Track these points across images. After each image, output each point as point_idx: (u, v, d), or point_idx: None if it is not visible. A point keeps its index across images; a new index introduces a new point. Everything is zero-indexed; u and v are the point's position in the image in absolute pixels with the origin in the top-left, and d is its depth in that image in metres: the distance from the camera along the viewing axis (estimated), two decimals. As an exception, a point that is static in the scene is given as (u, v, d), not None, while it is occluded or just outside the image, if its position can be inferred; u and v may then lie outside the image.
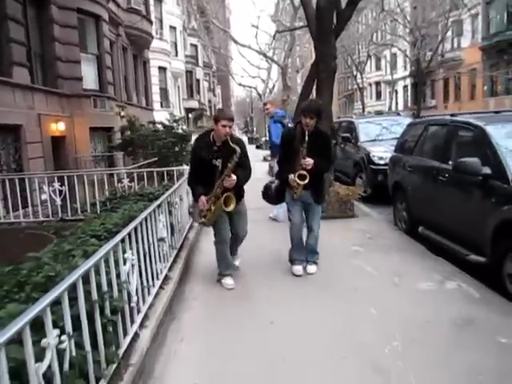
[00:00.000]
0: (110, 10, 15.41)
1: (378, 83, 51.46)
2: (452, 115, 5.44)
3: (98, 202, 6.09)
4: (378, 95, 52.38)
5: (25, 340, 1.48)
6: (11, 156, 9.63)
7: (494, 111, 5.88)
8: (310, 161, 4.12)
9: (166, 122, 11.69)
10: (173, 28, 30.41)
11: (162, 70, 26.27)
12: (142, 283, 2.90)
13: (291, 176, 4.20)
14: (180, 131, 11.20)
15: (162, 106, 25.59)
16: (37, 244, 3.92)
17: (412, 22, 29.98)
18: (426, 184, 5.49)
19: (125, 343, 2.43)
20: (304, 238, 4.65)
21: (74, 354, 1.74)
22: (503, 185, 3.95)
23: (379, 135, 9.54)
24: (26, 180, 7.21)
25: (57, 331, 1.62)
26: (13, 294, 2.00)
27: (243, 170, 4.07)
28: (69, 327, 1.75)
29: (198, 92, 39.79)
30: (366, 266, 4.70)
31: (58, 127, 11.59)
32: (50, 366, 1.54)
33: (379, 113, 17.54)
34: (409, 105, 42.94)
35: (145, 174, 6.48)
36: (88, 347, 1.91)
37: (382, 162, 8.27)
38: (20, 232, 6.07)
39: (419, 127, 6.17)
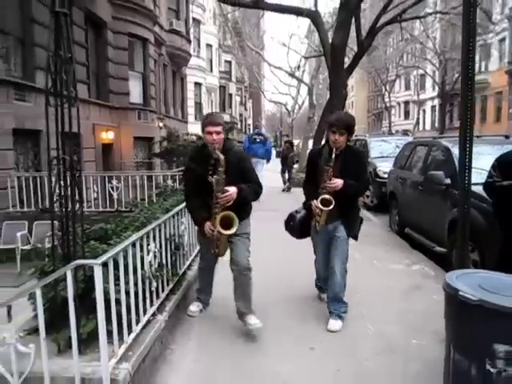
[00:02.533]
0: (154, 32, 17.27)
1: (406, 102, 52.28)
2: (434, 138, 6.75)
3: (146, 198, 7.60)
4: (406, 114, 53.13)
5: (144, 243, 2.94)
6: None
7: (477, 135, 7.12)
8: (337, 181, 3.40)
9: (201, 135, 13.27)
10: (209, 46, 32.45)
11: (198, 85, 28.20)
12: (189, 241, 4.36)
13: (314, 202, 3.52)
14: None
15: (196, 118, 27.41)
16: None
17: (439, 45, 31.12)
18: (410, 192, 6.79)
19: (180, 273, 3.89)
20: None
21: (159, 261, 3.21)
22: (457, 192, 5.23)
23: (388, 152, 10.81)
24: (91, 177, 8.84)
25: (154, 244, 3.08)
26: (122, 232, 3.45)
27: (250, 184, 3.39)
28: (157, 246, 3.21)
29: (230, 106, 41.65)
30: (355, 253, 5.98)
31: (108, 136, 13.36)
32: (150, 262, 3.01)
33: (391, 133, 18.77)
34: (436, 125, 43.64)
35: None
36: (164, 262, 3.37)
37: (386, 175, 9.51)
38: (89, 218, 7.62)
39: (411, 146, 7.47)
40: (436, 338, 3.38)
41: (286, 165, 14.02)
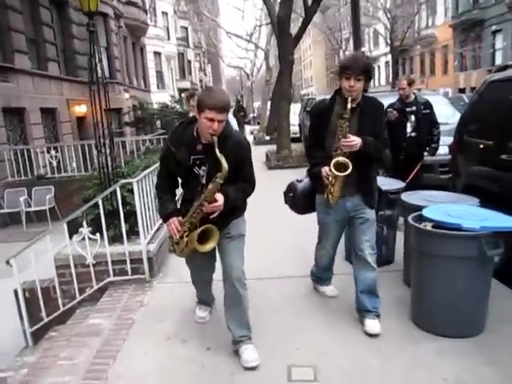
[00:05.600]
0: (113, 6, 17.95)
1: (361, 59, 53.84)
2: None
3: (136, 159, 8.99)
4: (362, 71, 54.80)
5: (152, 176, 4.42)
6: (51, 132, 12.48)
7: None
8: (355, 140, 2.71)
9: (169, 103, 14.55)
10: (165, 13, 32.72)
11: (157, 54, 28.78)
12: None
13: (325, 168, 2.80)
14: (180, 110, 14.05)
15: (158, 87, 28.22)
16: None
17: (386, 3, 32.58)
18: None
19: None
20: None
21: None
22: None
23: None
24: (86, 146, 10.08)
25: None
26: (133, 173, 4.88)
27: (240, 184, 2.60)
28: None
29: (190, 72, 42.05)
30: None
31: (81, 109, 14.38)
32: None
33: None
34: (390, 80, 45.59)
35: (161, 139, 9.45)
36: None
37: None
38: (78, 181, 8.94)
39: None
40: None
41: (239, 122, 17.88)
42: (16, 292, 3.84)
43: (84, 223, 3.66)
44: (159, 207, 2.85)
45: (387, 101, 6.93)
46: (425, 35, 37.07)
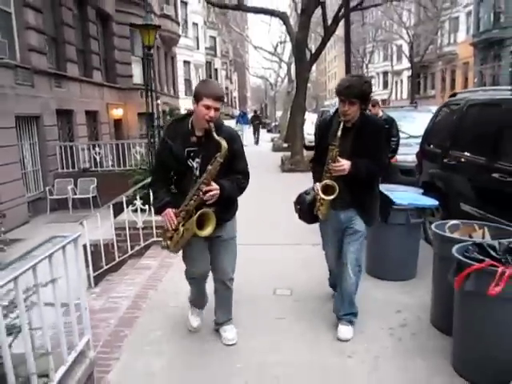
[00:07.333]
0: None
1: (385, 73, 54.71)
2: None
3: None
4: (385, 84, 55.66)
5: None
6: (92, 132, 14.09)
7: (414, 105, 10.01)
8: (343, 164, 2.79)
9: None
10: (195, 24, 34.54)
11: (187, 63, 30.56)
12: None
13: (316, 185, 2.93)
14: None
15: (186, 94, 29.91)
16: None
17: (408, 21, 33.71)
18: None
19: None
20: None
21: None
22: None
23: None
24: (125, 145, 11.59)
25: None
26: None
27: (234, 175, 2.75)
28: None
29: (216, 80, 43.90)
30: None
31: (118, 112, 16.01)
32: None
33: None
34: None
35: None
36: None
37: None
38: (116, 175, 10.39)
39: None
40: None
41: (255, 128, 23.76)
42: (85, 246, 5.25)
43: (138, 197, 5.06)
44: (153, 201, 3.03)
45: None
46: (446, 52, 37.92)
